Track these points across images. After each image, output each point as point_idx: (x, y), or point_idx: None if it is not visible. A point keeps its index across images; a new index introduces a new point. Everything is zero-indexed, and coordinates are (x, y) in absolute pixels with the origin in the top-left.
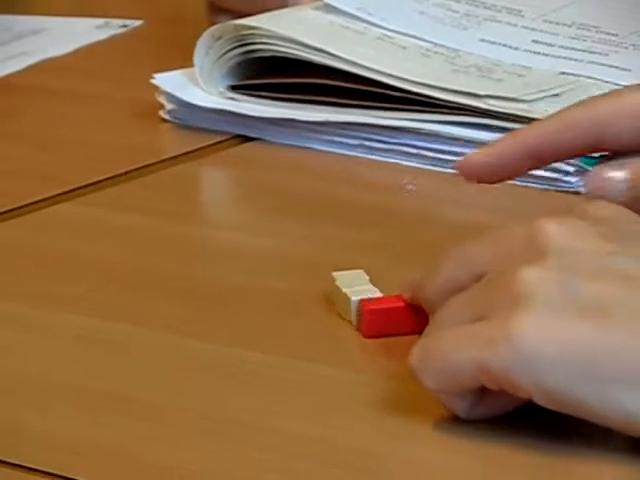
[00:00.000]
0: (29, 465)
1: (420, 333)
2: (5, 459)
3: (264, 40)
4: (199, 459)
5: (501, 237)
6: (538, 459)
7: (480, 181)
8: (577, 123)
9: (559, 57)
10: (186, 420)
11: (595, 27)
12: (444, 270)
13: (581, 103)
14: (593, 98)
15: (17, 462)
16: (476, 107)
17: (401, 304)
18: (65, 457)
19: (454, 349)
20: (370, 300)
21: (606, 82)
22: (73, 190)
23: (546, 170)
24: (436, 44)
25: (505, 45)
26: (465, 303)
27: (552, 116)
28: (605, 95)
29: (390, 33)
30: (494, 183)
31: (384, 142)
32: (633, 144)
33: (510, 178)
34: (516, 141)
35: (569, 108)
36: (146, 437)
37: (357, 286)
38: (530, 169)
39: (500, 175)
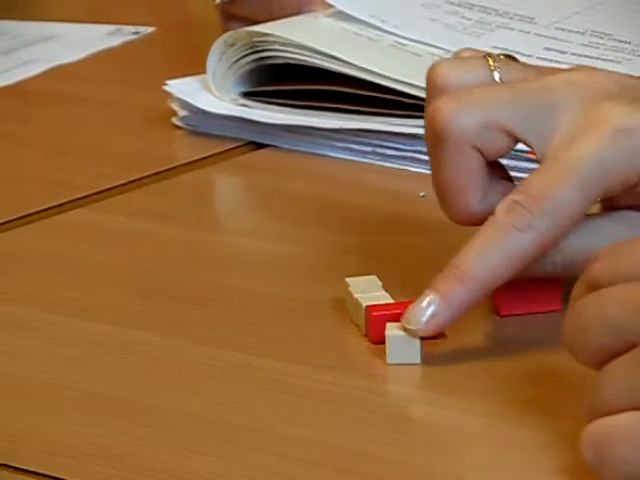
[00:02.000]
0: (35, 470)
1: (425, 339)
2: (11, 464)
3: (277, 47)
4: (205, 464)
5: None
6: None
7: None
8: (527, 255)
9: (571, 64)
10: (196, 426)
11: (607, 34)
12: (592, 337)
13: (517, 227)
14: (529, 213)
15: (23, 467)
16: None
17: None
18: (70, 462)
19: (633, 450)
20: (377, 306)
21: None
22: (86, 197)
23: None
24: (449, 51)
25: (517, 52)
26: (626, 380)
27: (499, 247)
28: (542, 212)
29: (403, 40)
30: None
31: (397, 149)
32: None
33: None
34: (470, 288)
35: (510, 234)
36: (152, 442)
37: (369, 292)
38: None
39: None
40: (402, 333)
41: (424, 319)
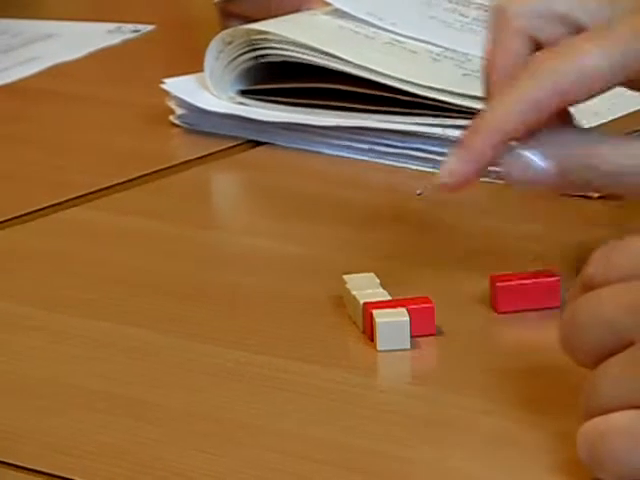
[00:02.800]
0: (37, 468)
1: (423, 336)
2: (14, 462)
3: (274, 45)
4: (207, 462)
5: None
6: None
7: (464, 187)
8: (541, 101)
9: None
10: (195, 423)
11: None
12: (587, 336)
13: (537, 73)
14: (547, 63)
15: (25, 465)
16: None
17: (404, 307)
18: (73, 460)
19: (628, 448)
20: (375, 303)
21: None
22: (84, 195)
23: None
24: (446, 48)
25: None
26: (620, 378)
27: (512, 94)
28: (560, 56)
29: (400, 38)
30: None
31: (394, 146)
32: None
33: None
34: (486, 135)
35: (529, 81)
36: (154, 440)
37: (367, 289)
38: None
39: (481, 174)
40: (391, 320)
41: (446, 171)
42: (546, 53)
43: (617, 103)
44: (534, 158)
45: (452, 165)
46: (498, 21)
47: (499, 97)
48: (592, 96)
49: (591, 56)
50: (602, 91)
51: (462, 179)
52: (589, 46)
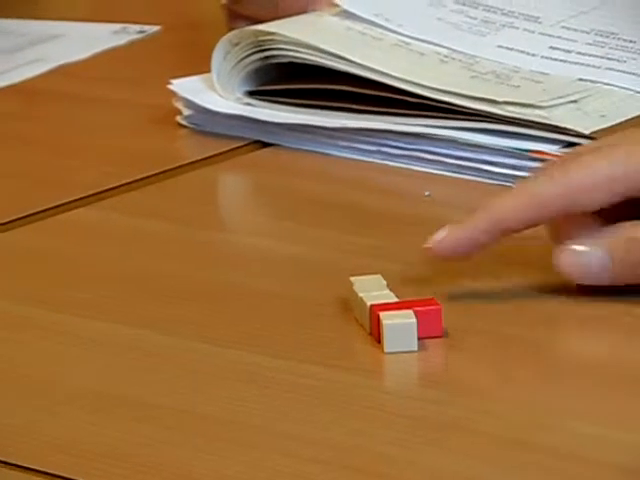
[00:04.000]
0: (43, 469)
1: (430, 338)
2: (14, 462)
3: (282, 46)
4: (211, 463)
5: None
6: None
7: (450, 259)
8: (547, 201)
9: (577, 64)
10: (199, 425)
11: (613, 34)
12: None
13: (550, 175)
14: (563, 167)
15: (27, 465)
16: (494, 113)
17: (411, 309)
18: (78, 461)
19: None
20: (381, 305)
21: (624, 89)
22: (91, 195)
23: None
24: (454, 50)
25: (523, 52)
26: None
27: (521, 190)
28: (575, 162)
29: (407, 39)
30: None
31: (401, 148)
32: (600, 207)
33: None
34: (484, 219)
35: (537, 181)
36: (157, 441)
37: (374, 291)
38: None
39: (470, 253)
40: (398, 322)
41: (435, 238)
42: (556, 161)
43: (624, 106)
44: (592, 254)
45: (441, 237)
46: None
47: (508, 191)
48: (596, 205)
49: (600, 165)
50: (610, 199)
51: (449, 252)
52: (593, 158)
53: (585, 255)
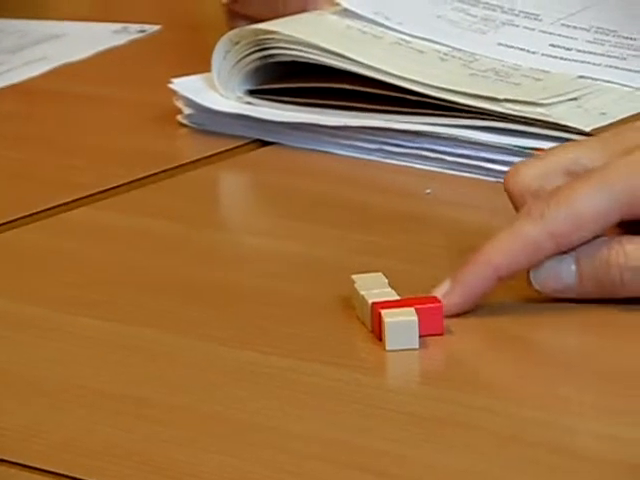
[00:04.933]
0: (47, 468)
1: (431, 336)
2: (23, 462)
3: (282, 45)
4: (216, 462)
5: None
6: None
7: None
8: (537, 242)
9: (577, 61)
10: (204, 423)
11: (613, 31)
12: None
13: (534, 215)
14: (545, 205)
15: (34, 465)
16: (494, 111)
17: (413, 307)
18: (83, 460)
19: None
20: (383, 303)
21: (624, 86)
22: (91, 195)
23: None
24: (454, 48)
25: (523, 49)
26: None
27: (512, 234)
28: (558, 205)
29: (407, 37)
30: None
31: (402, 146)
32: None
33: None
34: (482, 271)
35: (523, 221)
36: (161, 440)
37: (375, 289)
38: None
39: (473, 305)
40: (399, 319)
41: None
42: (544, 197)
43: (624, 103)
44: (564, 268)
45: (442, 296)
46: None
47: (499, 234)
48: (593, 237)
49: (587, 198)
50: (602, 230)
51: (450, 310)
52: (585, 189)
53: (555, 267)
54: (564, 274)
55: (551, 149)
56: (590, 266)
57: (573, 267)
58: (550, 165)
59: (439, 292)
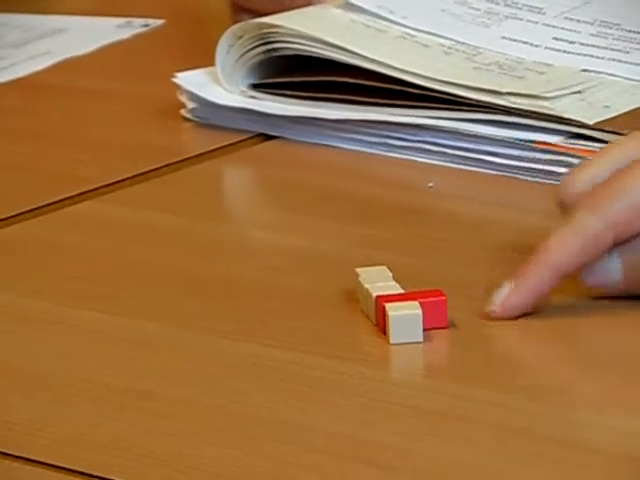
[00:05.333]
0: (50, 462)
1: (435, 329)
2: (27, 456)
3: (286, 38)
4: (218, 455)
5: None
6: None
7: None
8: (597, 234)
9: (580, 54)
10: (207, 416)
11: (616, 24)
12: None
13: (593, 208)
14: (601, 198)
15: (38, 459)
16: (497, 104)
17: (417, 301)
18: (87, 454)
19: None
20: (387, 296)
21: (627, 79)
22: (96, 189)
23: (568, 167)
24: (457, 42)
25: (526, 42)
26: None
27: (571, 229)
28: (614, 196)
29: (411, 31)
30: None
31: (405, 140)
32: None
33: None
34: (544, 269)
35: (582, 216)
36: (165, 433)
37: (379, 282)
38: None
39: (536, 303)
40: (404, 313)
41: (498, 300)
42: (598, 190)
43: (627, 96)
44: (611, 263)
45: (505, 296)
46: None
47: (558, 231)
48: None
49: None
50: None
51: (513, 311)
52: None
53: (603, 263)
54: (612, 270)
55: (599, 152)
56: (633, 261)
57: (619, 262)
58: (601, 167)
59: (501, 294)
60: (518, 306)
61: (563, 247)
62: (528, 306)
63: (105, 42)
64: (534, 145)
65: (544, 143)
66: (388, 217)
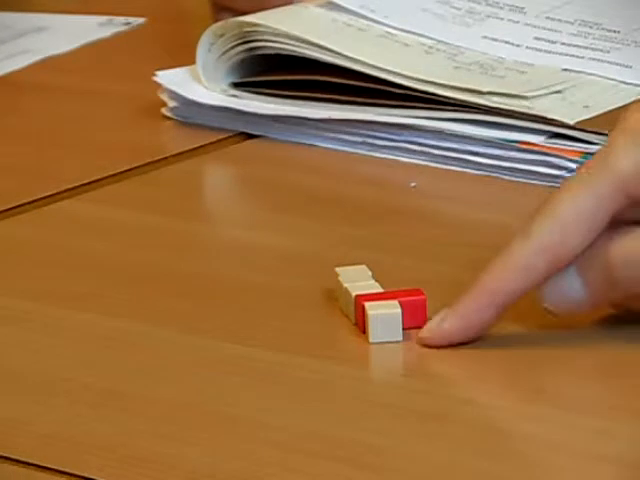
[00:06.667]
0: (30, 461)
1: (415, 329)
2: (7, 455)
3: (267, 37)
4: (197, 454)
5: None
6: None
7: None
8: (527, 262)
9: (561, 54)
10: (187, 416)
11: (597, 24)
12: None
13: (525, 236)
14: (533, 227)
15: (18, 458)
16: (479, 104)
17: (396, 300)
18: (67, 454)
19: None
20: (366, 296)
21: (608, 79)
22: (76, 187)
23: (548, 167)
24: (438, 41)
25: (507, 42)
26: None
27: (505, 258)
28: (541, 217)
29: (392, 30)
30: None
31: (387, 139)
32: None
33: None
34: (482, 296)
35: (513, 242)
36: (144, 432)
37: (359, 282)
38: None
39: (468, 336)
40: (383, 312)
41: (432, 325)
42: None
43: (608, 96)
44: (569, 282)
45: (436, 323)
46: None
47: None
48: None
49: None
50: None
51: (445, 338)
52: (565, 193)
53: (560, 284)
54: (571, 289)
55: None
56: (594, 273)
57: (578, 279)
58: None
59: (435, 321)
60: (451, 331)
61: (495, 276)
62: (462, 335)
63: (86, 41)
64: (517, 145)
65: (526, 143)
66: (369, 216)
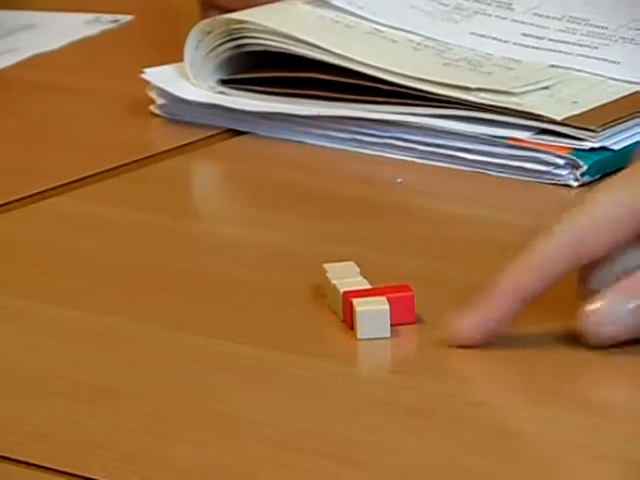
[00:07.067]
0: (23, 459)
1: (403, 325)
2: (2, 454)
3: (255, 34)
4: (188, 451)
5: None
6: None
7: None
8: (556, 254)
9: (549, 50)
10: (178, 413)
11: (584, 20)
12: None
13: (548, 233)
14: (568, 217)
15: (11, 456)
16: (467, 100)
17: (384, 296)
18: (58, 451)
19: None
20: (354, 292)
21: (595, 75)
22: (64, 184)
23: (536, 163)
24: (426, 37)
25: (495, 38)
26: None
27: (531, 251)
28: (575, 209)
29: (380, 27)
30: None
31: (375, 136)
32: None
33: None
34: (504, 294)
35: (544, 239)
36: (136, 429)
37: (347, 278)
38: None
39: (496, 331)
40: (371, 308)
41: (451, 325)
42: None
43: (595, 92)
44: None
45: (458, 323)
46: None
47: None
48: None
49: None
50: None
51: (467, 339)
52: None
53: (610, 312)
54: (622, 314)
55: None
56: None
57: (630, 305)
58: None
59: (456, 318)
60: (479, 330)
61: (518, 271)
62: (483, 332)
63: (74, 38)
64: (505, 141)
65: (514, 139)
66: (357, 213)
